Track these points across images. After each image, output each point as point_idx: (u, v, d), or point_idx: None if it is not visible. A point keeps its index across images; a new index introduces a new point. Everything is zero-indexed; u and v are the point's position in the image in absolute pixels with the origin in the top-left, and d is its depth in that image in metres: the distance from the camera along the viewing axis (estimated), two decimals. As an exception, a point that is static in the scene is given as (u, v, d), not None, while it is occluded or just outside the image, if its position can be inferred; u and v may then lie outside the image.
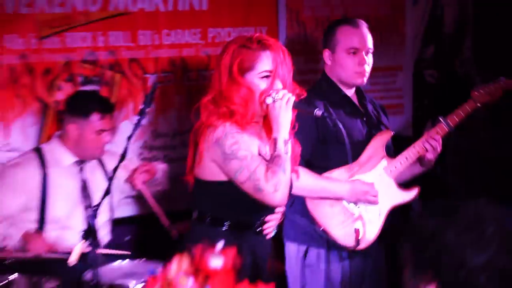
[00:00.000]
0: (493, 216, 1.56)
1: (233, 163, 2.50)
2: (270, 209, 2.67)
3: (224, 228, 2.60)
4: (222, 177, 2.58)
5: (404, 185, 3.19)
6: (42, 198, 3.30)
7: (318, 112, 2.60)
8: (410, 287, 1.60)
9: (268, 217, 2.70)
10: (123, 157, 2.70)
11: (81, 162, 3.41)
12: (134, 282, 2.97)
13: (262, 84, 2.56)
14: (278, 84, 2.56)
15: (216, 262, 1.88)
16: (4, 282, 2.97)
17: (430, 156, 3.12)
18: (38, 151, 3.40)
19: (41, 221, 3.30)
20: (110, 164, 3.26)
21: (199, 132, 2.58)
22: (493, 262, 1.51)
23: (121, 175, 3.35)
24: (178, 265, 1.84)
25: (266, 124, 2.63)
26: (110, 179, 2.74)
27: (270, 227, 2.72)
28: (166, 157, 4.04)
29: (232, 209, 2.61)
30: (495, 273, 1.51)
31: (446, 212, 1.59)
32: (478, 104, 3.14)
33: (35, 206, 3.31)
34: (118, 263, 3.21)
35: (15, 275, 2.99)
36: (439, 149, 3.13)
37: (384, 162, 3.12)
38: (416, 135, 3.89)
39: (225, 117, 2.55)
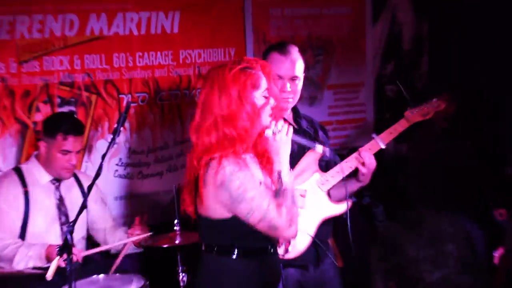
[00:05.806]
0: (454, 231, 1.57)
1: (242, 206, 2.44)
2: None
3: (234, 256, 2.54)
4: (228, 215, 2.50)
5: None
6: (24, 214, 3.45)
7: (318, 148, 2.74)
8: None
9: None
10: (98, 174, 2.78)
11: (57, 181, 3.55)
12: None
13: (262, 101, 2.55)
14: (272, 101, 2.58)
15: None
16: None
17: (364, 171, 3.11)
18: (17, 170, 3.55)
19: (23, 236, 3.44)
20: (87, 183, 3.45)
21: (201, 164, 2.49)
22: (449, 279, 1.53)
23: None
24: None
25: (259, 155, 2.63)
26: (85, 197, 2.88)
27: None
28: (140, 173, 4.25)
29: (242, 240, 2.54)
30: None
31: (410, 224, 1.60)
32: (410, 123, 3.21)
33: (20, 222, 3.45)
34: (94, 277, 3.30)
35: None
36: (372, 165, 3.13)
37: (317, 176, 3.15)
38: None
39: (224, 146, 2.48)
